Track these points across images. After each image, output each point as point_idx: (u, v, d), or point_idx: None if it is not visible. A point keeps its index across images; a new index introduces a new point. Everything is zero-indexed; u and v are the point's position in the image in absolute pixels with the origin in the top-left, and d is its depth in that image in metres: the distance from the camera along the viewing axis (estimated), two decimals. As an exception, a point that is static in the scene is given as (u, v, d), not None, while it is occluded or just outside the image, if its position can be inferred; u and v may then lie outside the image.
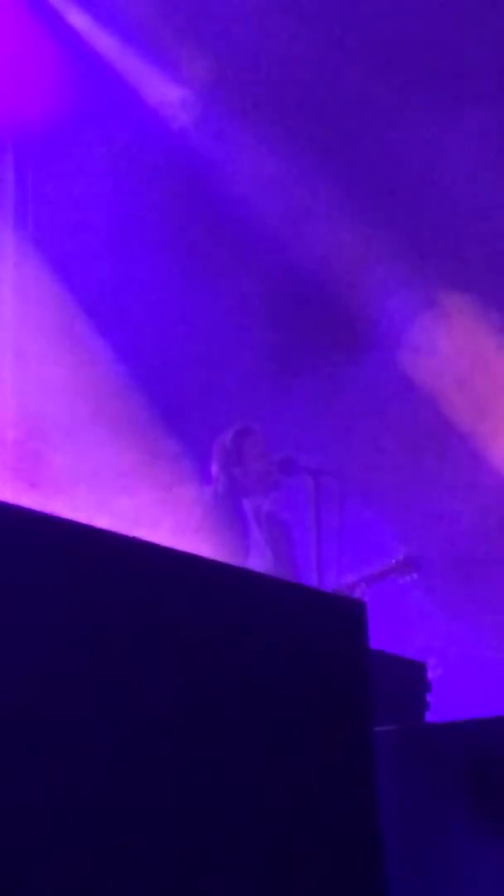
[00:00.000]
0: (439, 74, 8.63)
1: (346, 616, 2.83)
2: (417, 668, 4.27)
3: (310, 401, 8.96)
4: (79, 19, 8.96)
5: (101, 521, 2.47)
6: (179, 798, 2.32)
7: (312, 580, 6.11)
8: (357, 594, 6.13)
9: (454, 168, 8.61)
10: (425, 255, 8.77)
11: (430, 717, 4.30)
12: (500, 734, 3.23)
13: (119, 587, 2.32)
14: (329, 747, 2.67)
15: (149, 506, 7.48)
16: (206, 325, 8.93)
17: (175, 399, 8.75)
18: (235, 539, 6.07)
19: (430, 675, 7.87)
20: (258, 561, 6.09)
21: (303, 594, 2.98)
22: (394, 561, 6.40)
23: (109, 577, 2.30)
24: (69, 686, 2.17)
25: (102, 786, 2.19)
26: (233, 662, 2.50)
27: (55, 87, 8.88)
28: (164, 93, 9.09)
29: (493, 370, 8.70)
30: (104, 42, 9.04)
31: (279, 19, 8.82)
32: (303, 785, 2.59)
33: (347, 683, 2.75)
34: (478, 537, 8.65)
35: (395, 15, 8.68)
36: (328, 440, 8.52)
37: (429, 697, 4.23)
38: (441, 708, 7.29)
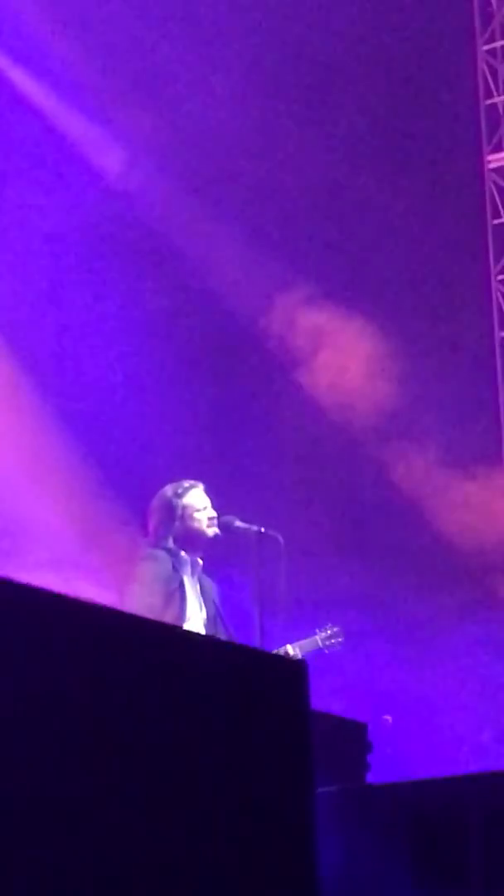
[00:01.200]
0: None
1: (288, 676, 2.84)
2: (358, 729, 4.27)
3: (250, 454, 9.09)
4: (26, 83, 9.01)
5: (50, 582, 2.48)
6: (115, 857, 2.31)
7: (254, 639, 6.12)
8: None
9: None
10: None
11: (371, 777, 4.30)
12: (438, 795, 3.24)
13: (60, 648, 2.33)
14: (271, 807, 2.67)
15: (91, 560, 7.50)
16: (150, 383, 9.01)
17: (116, 456, 8.79)
18: (170, 592, 6.04)
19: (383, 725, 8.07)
20: (193, 615, 6.07)
21: (244, 655, 2.99)
22: (320, 632, 6.73)
23: (55, 638, 2.30)
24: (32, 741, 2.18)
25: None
26: (172, 723, 2.51)
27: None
28: (111, 157, 9.18)
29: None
30: (51, 105, 9.10)
31: (228, 94, 9.05)
32: (243, 845, 2.59)
33: (289, 743, 2.75)
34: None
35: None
36: (269, 495, 8.62)
37: (369, 758, 4.24)
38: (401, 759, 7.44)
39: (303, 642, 6.67)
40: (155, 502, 6.32)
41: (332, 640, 6.78)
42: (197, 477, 6.61)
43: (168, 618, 5.89)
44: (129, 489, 7.98)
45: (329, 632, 6.80)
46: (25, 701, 2.22)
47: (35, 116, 9.09)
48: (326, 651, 6.75)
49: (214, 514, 6.28)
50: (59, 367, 8.88)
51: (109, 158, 9.20)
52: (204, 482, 6.53)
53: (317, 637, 6.75)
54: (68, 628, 2.34)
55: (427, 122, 9.27)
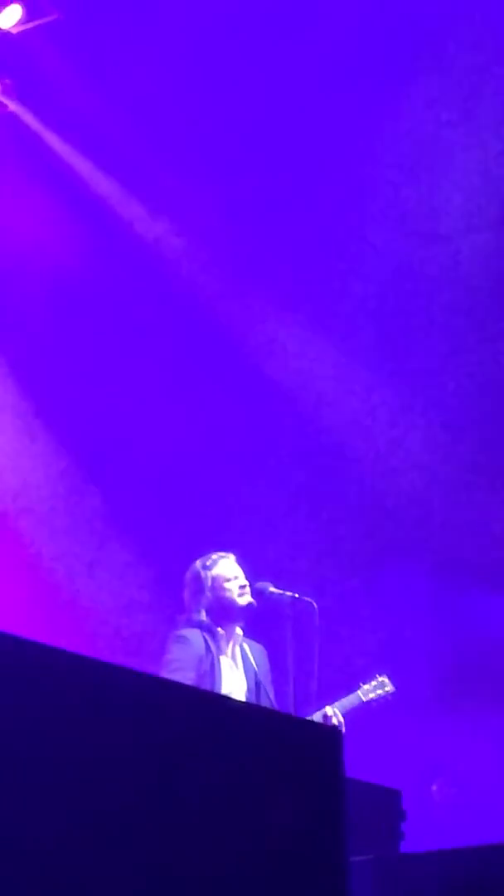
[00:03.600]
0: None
1: (323, 744, 2.84)
2: (392, 797, 4.25)
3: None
4: (77, 162, 9.20)
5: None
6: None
7: (288, 705, 6.07)
8: (332, 722, 6.11)
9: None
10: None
11: (405, 846, 4.27)
12: (472, 864, 3.22)
13: (99, 713, 2.35)
14: (303, 876, 2.66)
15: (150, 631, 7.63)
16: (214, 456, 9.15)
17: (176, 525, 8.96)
18: (200, 674, 5.97)
19: (439, 795, 7.92)
20: (232, 690, 6.01)
21: (279, 721, 3.00)
22: (364, 685, 6.42)
23: (92, 703, 2.32)
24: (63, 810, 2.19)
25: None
26: (207, 790, 2.51)
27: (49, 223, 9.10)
28: (155, 227, 9.35)
29: None
30: (95, 177, 9.26)
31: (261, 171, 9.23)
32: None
33: (323, 811, 2.75)
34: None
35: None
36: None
37: (403, 827, 4.21)
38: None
39: (343, 700, 6.30)
40: (186, 576, 6.29)
41: (380, 691, 6.37)
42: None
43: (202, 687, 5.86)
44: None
45: (375, 682, 6.40)
46: (55, 765, 2.24)
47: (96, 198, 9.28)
48: (374, 704, 6.36)
49: (246, 582, 6.24)
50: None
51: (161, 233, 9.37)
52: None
53: (359, 692, 6.36)
54: (103, 692, 2.36)
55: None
